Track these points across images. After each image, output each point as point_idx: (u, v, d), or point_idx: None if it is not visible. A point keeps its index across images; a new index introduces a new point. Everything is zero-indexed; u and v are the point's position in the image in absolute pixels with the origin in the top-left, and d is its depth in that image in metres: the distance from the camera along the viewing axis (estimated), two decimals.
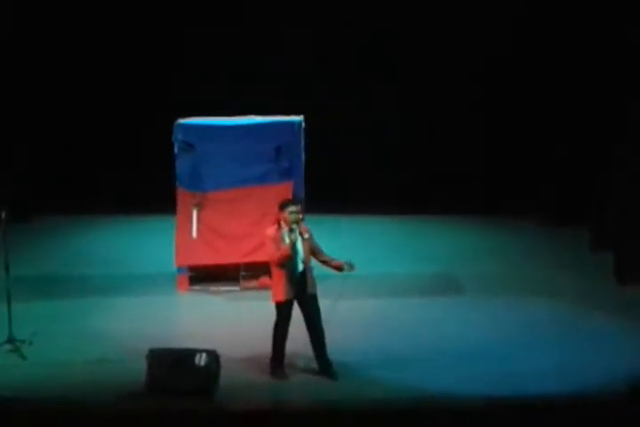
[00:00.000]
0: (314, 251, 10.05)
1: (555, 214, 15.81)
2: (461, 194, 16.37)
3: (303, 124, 13.02)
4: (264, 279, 13.01)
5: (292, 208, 9.94)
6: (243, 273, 13.03)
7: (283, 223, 9.97)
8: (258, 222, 12.83)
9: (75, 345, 10.93)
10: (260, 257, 12.83)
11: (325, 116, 15.40)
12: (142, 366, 9.71)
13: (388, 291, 12.81)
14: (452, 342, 11.08)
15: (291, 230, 9.91)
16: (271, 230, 10.04)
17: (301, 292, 9.95)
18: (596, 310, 12.04)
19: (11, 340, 10.72)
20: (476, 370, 10.23)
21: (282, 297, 9.94)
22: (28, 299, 12.02)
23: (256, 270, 12.97)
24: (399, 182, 16.44)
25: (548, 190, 16.05)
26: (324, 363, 10.11)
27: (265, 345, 10.93)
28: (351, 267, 9.96)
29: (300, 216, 9.98)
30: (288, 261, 9.88)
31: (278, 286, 9.95)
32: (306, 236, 9.97)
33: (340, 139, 16.30)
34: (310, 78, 16.09)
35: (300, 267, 9.96)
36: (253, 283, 13.04)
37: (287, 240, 9.87)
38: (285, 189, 12.84)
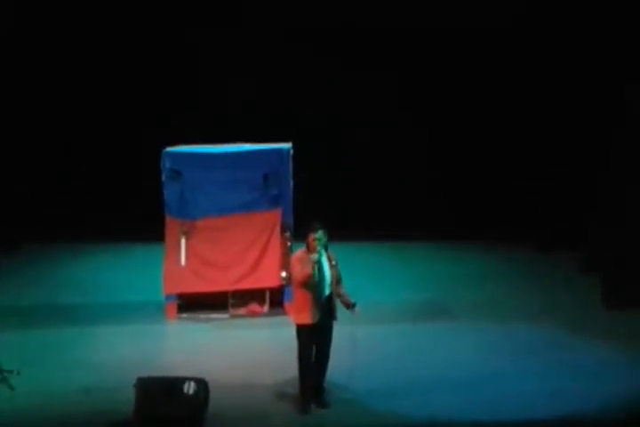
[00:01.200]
0: (336, 279, 9.97)
1: (544, 240, 15.84)
2: (449, 220, 16.39)
3: (291, 152, 13.05)
4: (253, 307, 13.03)
5: (317, 235, 9.82)
6: (231, 300, 13.00)
7: (309, 248, 9.87)
8: (246, 250, 12.85)
9: (62, 375, 10.86)
10: (248, 284, 12.90)
11: (311, 143, 15.43)
12: (131, 395, 9.63)
13: (377, 318, 12.76)
14: (443, 368, 11.05)
15: (318, 255, 9.82)
16: (298, 253, 10.01)
17: (326, 317, 9.87)
18: (585, 336, 12.04)
19: None
20: (467, 397, 10.21)
21: (308, 320, 9.80)
22: (15, 328, 11.94)
23: (245, 298, 12.97)
24: (385, 209, 16.46)
25: (538, 216, 16.08)
26: (318, 390, 10.05)
27: (254, 373, 10.93)
28: (354, 310, 9.94)
29: (321, 242, 9.81)
30: (314, 285, 9.77)
31: (304, 310, 9.83)
32: (333, 262, 9.94)
33: (327, 166, 16.32)
34: (298, 104, 16.16)
35: (327, 291, 9.89)
36: (242, 310, 13.01)
37: (312, 262, 9.76)
38: (274, 216, 12.86)
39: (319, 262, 9.83)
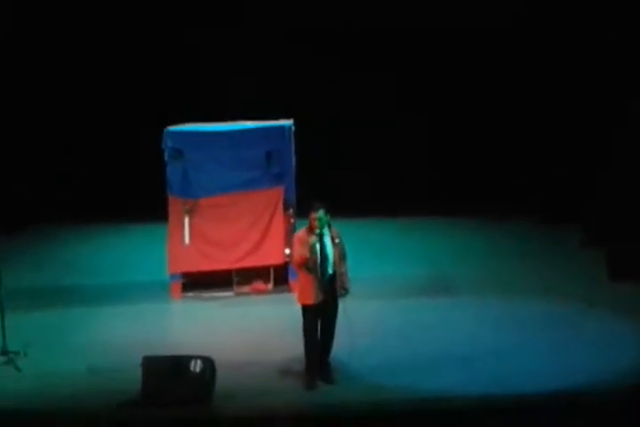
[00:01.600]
0: (339, 257, 9.93)
1: (546, 213, 15.83)
2: (451, 195, 16.38)
3: (293, 129, 13.01)
4: (257, 284, 13.05)
5: (317, 215, 9.77)
6: (236, 279, 13.01)
7: (312, 226, 9.83)
8: (249, 228, 12.85)
9: (69, 355, 10.88)
10: (252, 262, 12.92)
11: (314, 119, 15.40)
12: (138, 374, 9.68)
13: (381, 293, 12.80)
14: (446, 344, 11.07)
15: (320, 235, 9.77)
16: (301, 233, 9.95)
17: (330, 296, 9.86)
18: (590, 308, 12.06)
19: (4, 352, 10.68)
20: (472, 372, 10.23)
21: (310, 300, 9.81)
22: (21, 310, 11.97)
23: (249, 276, 12.99)
24: (388, 184, 16.45)
25: (540, 190, 16.06)
26: (324, 367, 10.08)
27: (260, 350, 10.96)
28: (344, 297, 9.92)
29: (321, 223, 9.74)
30: (316, 266, 9.75)
31: (307, 290, 9.84)
32: (337, 240, 9.90)
33: (330, 141, 16.30)
34: (300, 80, 16.14)
35: (330, 270, 9.86)
36: (247, 288, 13.03)
37: (309, 244, 9.74)
38: (277, 194, 12.85)
39: (319, 244, 9.79)
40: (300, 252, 9.81)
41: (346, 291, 9.97)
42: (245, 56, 16.28)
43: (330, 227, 9.92)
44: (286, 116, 13.14)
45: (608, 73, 14.25)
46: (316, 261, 9.80)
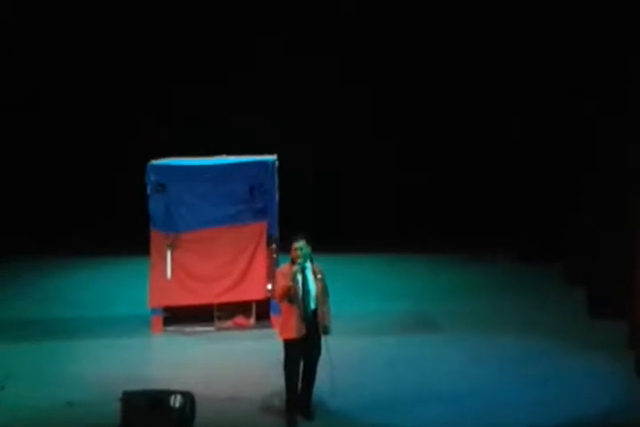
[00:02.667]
0: (321, 294, 9.83)
1: (526, 250, 15.88)
2: (434, 232, 16.43)
3: (277, 164, 13.05)
4: (239, 319, 13.01)
5: (298, 244, 9.75)
6: (217, 313, 12.97)
7: (293, 257, 9.81)
8: (232, 262, 12.84)
9: (48, 389, 10.81)
10: (234, 297, 12.89)
11: (299, 155, 15.48)
12: (117, 408, 9.60)
13: (363, 330, 12.78)
14: (429, 380, 11.06)
15: (302, 267, 9.73)
16: (283, 267, 9.94)
17: (312, 332, 9.78)
18: (570, 344, 12.09)
19: None
20: (454, 408, 10.21)
21: (292, 334, 9.73)
22: (0, 342, 11.88)
23: (230, 310, 12.95)
24: (372, 221, 16.49)
25: (519, 226, 16.13)
26: (305, 402, 10.00)
27: (241, 386, 10.91)
28: (325, 335, 9.88)
29: (302, 253, 9.72)
30: (298, 299, 9.68)
31: (289, 323, 9.76)
32: (318, 276, 9.85)
33: (313, 178, 16.36)
34: (283, 118, 16.22)
35: (312, 305, 9.79)
36: (228, 323, 12.99)
37: (292, 274, 9.70)
38: (259, 228, 12.85)
39: (301, 274, 9.77)
40: (281, 283, 9.80)
41: (326, 328, 9.90)
42: (231, 94, 16.38)
43: (312, 262, 9.92)
44: (270, 152, 13.20)
45: (582, 115, 14.33)
46: (297, 293, 9.75)
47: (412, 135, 16.68)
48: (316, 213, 15.98)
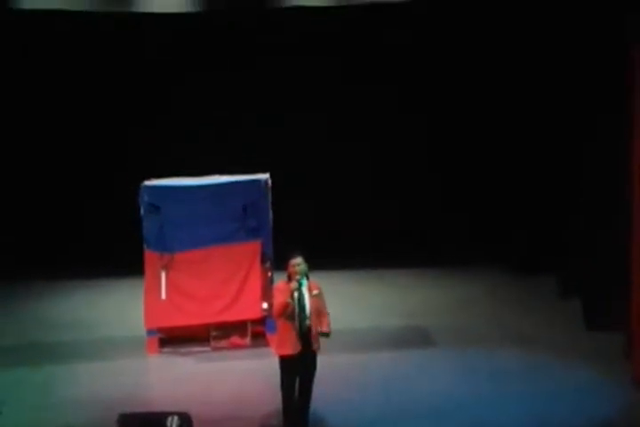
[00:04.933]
0: (317, 310, 9.85)
1: (521, 262, 15.85)
2: (425, 246, 16.41)
3: (270, 182, 13.07)
4: (235, 339, 12.97)
5: (295, 261, 9.81)
6: (213, 333, 12.94)
7: (290, 274, 9.85)
8: (226, 282, 12.82)
9: (43, 414, 10.76)
10: (229, 317, 12.87)
11: (289, 173, 15.50)
12: None
13: (357, 345, 12.75)
14: (425, 395, 11.03)
15: (297, 283, 9.78)
16: (280, 283, 9.99)
17: (307, 348, 9.81)
18: (566, 357, 12.05)
19: None
20: (448, 422, 10.19)
21: (289, 351, 9.75)
22: None
23: (226, 330, 12.92)
24: (363, 236, 16.47)
25: (515, 239, 16.11)
26: (302, 421, 9.97)
27: (237, 405, 10.88)
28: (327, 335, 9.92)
29: (300, 269, 9.76)
30: (294, 315, 9.72)
31: (285, 340, 9.79)
32: (314, 292, 9.86)
33: (305, 196, 16.37)
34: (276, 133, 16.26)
35: (307, 323, 9.81)
36: (224, 343, 12.96)
37: (290, 290, 9.75)
38: (254, 247, 12.85)
39: (298, 291, 9.80)
40: (279, 300, 9.80)
41: (327, 334, 9.87)
42: (222, 112, 16.41)
43: (308, 278, 9.93)
44: (263, 170, 13.21)
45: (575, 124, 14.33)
46: (294, 309, 9.78)
47: (400, 146, 16.67)
48: (310, 231, 15.95)
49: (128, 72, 16.34)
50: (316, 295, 9.90)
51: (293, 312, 9.78)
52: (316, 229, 16.22)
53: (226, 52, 16.35)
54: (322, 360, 10.08)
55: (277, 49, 16.13)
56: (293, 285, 9.79)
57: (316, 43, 16.12)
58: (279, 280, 10.08)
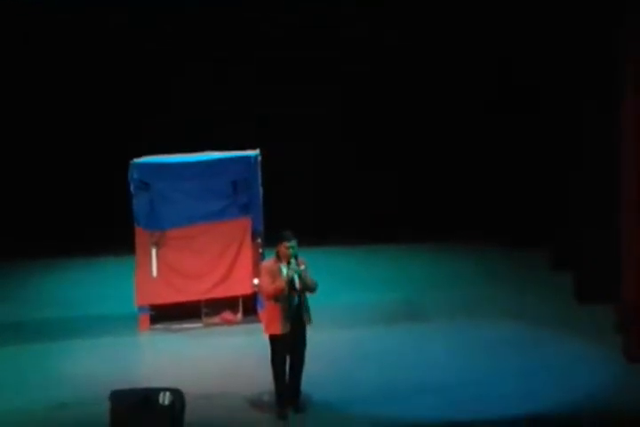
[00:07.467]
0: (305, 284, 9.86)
1: (513, 237, 15.87)
2: (419, 220, 16.40)
3: (259, 159, 13.03)
4: (226, 315, 12.98)
5: (290, 243, 9.80)
6: (204, 310, 12.95)
7: (281, 256, 9.87)
8: (217, 258, 12.82)
9: (36, 390, 10.76)
10: (221, 293, 12.87)
11: (283, 148, 15.45)
12: (106, 408, 9.55)
13: (351, 321, 12.78)
14: (418, 370, 11.06)
15: (288, 264, 9.80)
16: (268, 262, 9.99)
17: (297, 324, 9.84)
18: (559, 331, 12.09)
19: None
20: (443, 398, 10.22)
21: (278, 330, 9.80)
22: None
23: (218, 307, 12.93)
24: (356, 212, 16.46)
25: (506, 213, 16.12)
26: (294, 394, 10.02)
27: (230, 381, 10.89)
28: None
29: (293, 252, 9.77)
30: (284, 297, 9.76)
31: (274, 320, 9.82)
32: (302, 267, 9.87)
33: (295, 171, 16.32)
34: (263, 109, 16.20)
35: (297, 300, 9.85)
36: (216, 319, 12.96)
37: (284, 274, 9.78)
38: (244, 223, 12.84)
39: (293, 276, 9.78)
40: (272, 282, 9.79)
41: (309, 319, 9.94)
42: (213, 86, 16.33)
43: (296, 258, 9.92)
44: (253, 146, 13.17)
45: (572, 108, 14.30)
46: (286, 293, 9.80)
47: (398, 126, 16.63)
48: (300, 206, 15.93)
49: (127, 62, 16.23)
50: (303, 270, 9.90)
51: (283, 293, 9.79)
52: (309, 205, 16.20)
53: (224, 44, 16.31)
54: (316, 336, 10.11)
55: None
56: (290, 272, 9.75)
57: (314, 41, 16.07)
58: (268, 259, 10.04)
